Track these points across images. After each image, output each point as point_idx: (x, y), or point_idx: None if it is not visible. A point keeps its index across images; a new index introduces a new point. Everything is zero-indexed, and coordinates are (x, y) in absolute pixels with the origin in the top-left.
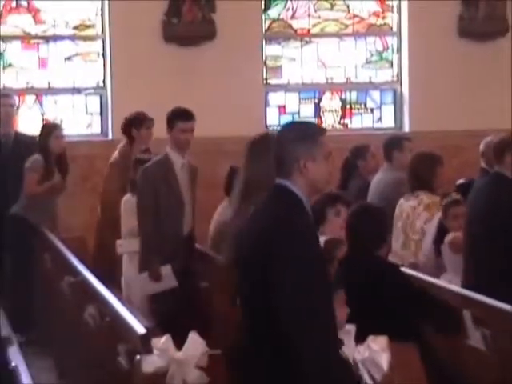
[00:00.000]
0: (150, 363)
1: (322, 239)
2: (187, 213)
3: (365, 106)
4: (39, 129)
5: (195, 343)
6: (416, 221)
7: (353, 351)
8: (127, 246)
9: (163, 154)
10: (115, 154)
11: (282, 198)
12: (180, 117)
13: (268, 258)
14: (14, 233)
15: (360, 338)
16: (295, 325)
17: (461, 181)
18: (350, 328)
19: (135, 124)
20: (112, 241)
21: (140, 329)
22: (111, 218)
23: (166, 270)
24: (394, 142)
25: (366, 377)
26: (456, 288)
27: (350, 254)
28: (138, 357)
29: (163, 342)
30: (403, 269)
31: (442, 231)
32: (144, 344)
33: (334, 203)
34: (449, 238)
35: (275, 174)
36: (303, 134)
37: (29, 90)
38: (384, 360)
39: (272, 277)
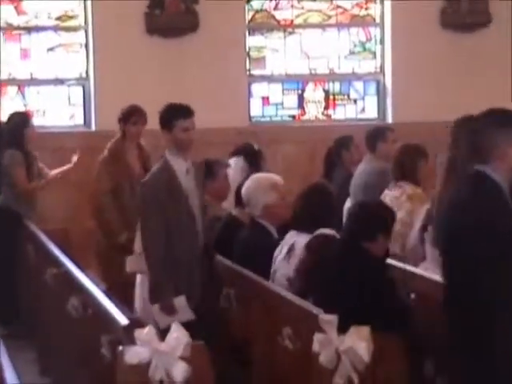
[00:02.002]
0: (133, 354)
1: None
2: (198, 225)
3: (348, 96)
4: (10, 119)
5: (178, 334)
6: (398, 211)
7: (335, 341)
8: (141, 264)
9: (161, 160)
10: (104, 151)
11: (482, 186)
12: (179, 114)
13: (469, 256)
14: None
15: (342, 329)
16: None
17: None
18: (333, 318)
19: (123, 118)
20: (111, 251)
21: (123, 320)
22: (105, 223)
23: (180, 301)
24: (377, 133)
25: (348, 367)
26: (438, 277)
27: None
28: (120, 348)
29: (146, 332)
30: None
31: (428, 221)
32: (127, 335)
33: None
34: (431, 227)
35: (471, 159)
36: (504, 120)
37: (11, 81)
38: (365, 351)
39: (473, 275)
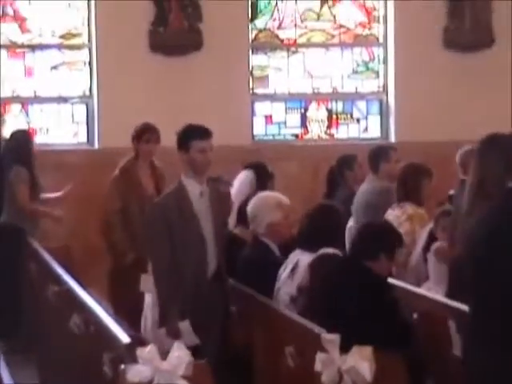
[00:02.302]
0: (135, 373)
1: None
2: (210, 249)
3: (351, 116)
4: (12, 136)
5: (180, 353)
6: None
7: (337, 361)
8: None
9: (176, 182)
10: (117, 170)
11: None
12: (196, 135)
13: (500, 276)
14: (2, 242)
15: (345, 348)
16: None
17: (453, 191)
18: (335, 338)
19: (136, 137)
20: (118, 271)
21: (125, 338)
22: (113, 243)
23: (184, 325)
24: (380, 153)
25: None
26: (441, 297)
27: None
28: (122, 366)
29: (148, 351)
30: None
31: (431, 240)
32: (129, 353)
33: None
34: (434, 246)
35: (504, 177)
36: None
37: (15, 99)
38: (368, 370)
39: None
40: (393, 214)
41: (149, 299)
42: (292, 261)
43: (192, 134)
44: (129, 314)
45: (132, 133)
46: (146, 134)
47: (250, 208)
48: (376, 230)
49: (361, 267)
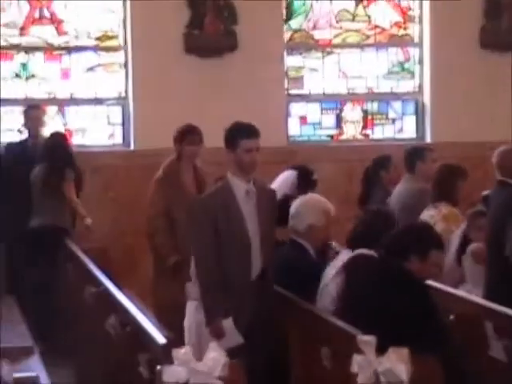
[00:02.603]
0: (171, 374)
1: None
2: (255, 250)
3: (386, 116)
4: (52, 139)
5: (216, 354)
6: None
7: (374, 362)
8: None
9: (224, 180)
10: (160, 171)
11: None
12: (243, 133)
13: None
14: (39, 245)
15: (381, 350)
16: None
17: (486, 192)
18: (371, 339)
19: (178, 138)
20: (160, 275)
21: (161, 339)
22: (156, 247)
23: (227, 324)
24: (416, 153)
25: None
26: (477, 299)
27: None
28: (158, 367)
29: (184, 352)
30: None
31: (465, 242)
32: (165, 354)
33: None
34: (471, 247)
35: None
36: None
37: (51, 101)
38: (404, 372)
39: None
40: (428, 214)
41: (192, 307)
42: (340, 260)
43: (239, 133)
44: (169, 316)
45: (174, 134)
46: (189, 135)
47: (295, 205)
48: (408, 232)
49: (398, 268)
